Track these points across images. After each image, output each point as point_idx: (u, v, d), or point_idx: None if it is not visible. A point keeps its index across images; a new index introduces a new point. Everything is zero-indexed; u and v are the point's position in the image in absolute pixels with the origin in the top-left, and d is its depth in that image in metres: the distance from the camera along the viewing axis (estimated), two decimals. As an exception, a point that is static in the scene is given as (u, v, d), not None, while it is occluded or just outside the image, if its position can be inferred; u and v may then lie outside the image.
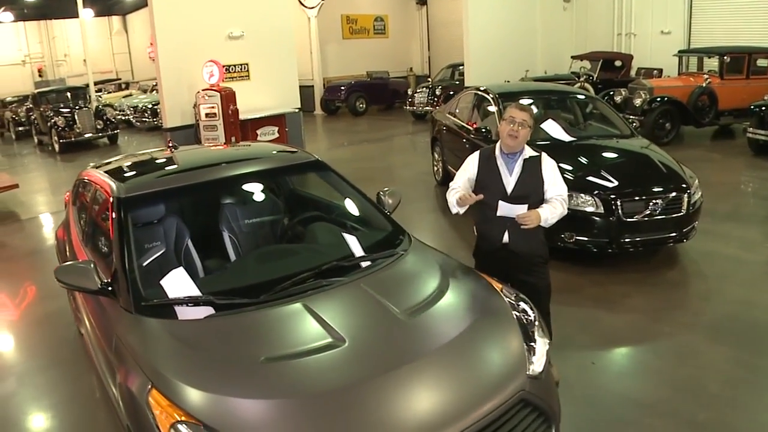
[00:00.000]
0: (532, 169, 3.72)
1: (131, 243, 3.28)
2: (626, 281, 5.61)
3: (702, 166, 10.14)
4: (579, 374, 4.14)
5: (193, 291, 3.02)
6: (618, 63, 14.52)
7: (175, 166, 4.07)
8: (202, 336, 2.75)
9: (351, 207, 3.96)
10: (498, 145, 3.78)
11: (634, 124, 7.40)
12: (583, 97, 7.74)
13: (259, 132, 11.10)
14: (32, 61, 26.69)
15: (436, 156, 9.26)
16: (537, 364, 2.69)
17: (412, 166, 11.18)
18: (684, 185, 5.76)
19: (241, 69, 11.33)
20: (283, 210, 4.11)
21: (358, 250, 3.35)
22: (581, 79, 14.03)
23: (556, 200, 3.74)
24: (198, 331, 2.79)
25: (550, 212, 3.68)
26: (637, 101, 11.81)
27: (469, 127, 7.64)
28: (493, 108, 7.19)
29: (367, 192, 4.07)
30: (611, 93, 12.54)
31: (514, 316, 2.88)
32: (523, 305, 3.01)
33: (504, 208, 3.66)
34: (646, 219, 5.59)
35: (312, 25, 19.51)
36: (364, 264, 3.21)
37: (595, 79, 14.16)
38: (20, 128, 18.81)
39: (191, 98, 10.61)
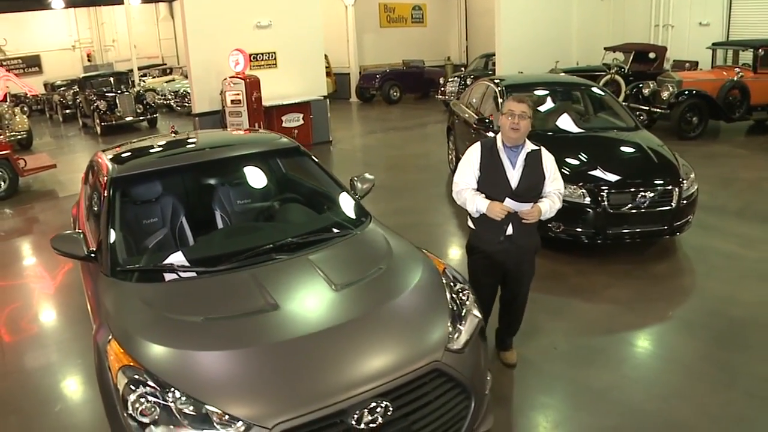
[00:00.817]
0: (535, 163, 3.77)
1: (116, 216, 3.68)
2: (611, 272, 5.74)
3: (725, 162, 10.10)
4: (539, 358, 4.33)
5: (165, 260, 3.39)
6: (652, 55, 14.31)
7: (168, 151, 4.46)
8: (160, 297, 3.14)
9: (322, 190, 4.28)
10: (499, 138, 3.81)
11: (641, 117, 7.39)
12: (590, 89, 7.79)
13: (284, 119, 11.52)
14: (82, 46, 27.80)
15: (451, 145, 9.46)
16: (459, 341, 2.93)
17: (432, 154, 11.37)
18: (675, 179, 5.82)
19: (268, 57, 11.75)
20: (260, 191, 4.44)
21: (317, 228, 3.66)
22: (612, 70, 13.92)
23: (554, 194, 3.85)
24: (158, 294, 3.18)
25: (550, 206, 3.79)
26: (665, 94, 11.71)
27: (476, 116, 7.82)
28: (498, 99, 7.34)
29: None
30: (640, 85, 12.44)
31: (447, 296, 3.13)
32: (459, 286, 3.26)
33: (509, 204, 3.68)
34: (633, 211, 5.70)
35: (349, 14, 19.79)
36: (318, 240, 3.51)
37: (626, 70, 14.03)
38: (67, 111, 19.73)
39: (219, 85, 11.08)
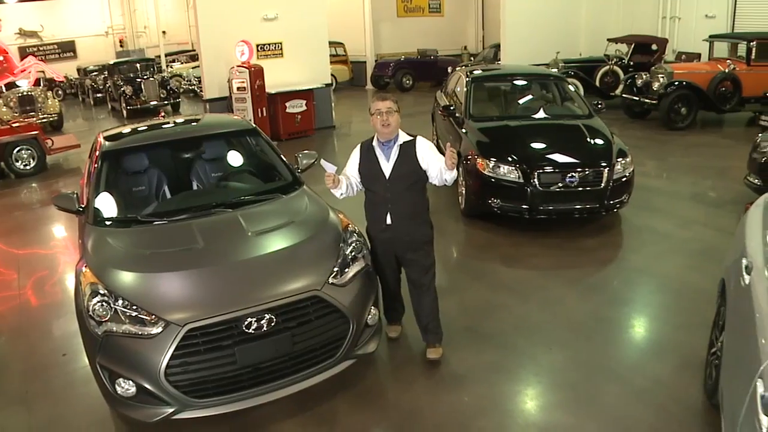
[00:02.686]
0: (408, 152, 4.22)
1: (101, 181, 4.80)
2: (543, 244, 6.59)
3: (704, 151, 10.74)
4: (447, 308, 5.09)
5: (132, 213, 4.55)
6: (654, 47, 14.91)
7: (150, 132, 5.59)
8: (124, 238, 4.26)
9: (269, 164, 5.34)
10: (375, 136, 4.32)
11: (599, 105, 8.14)
12: (555, 81, 8.60)
13: (287, 105, 12.59)
14: (114, 32, 29.52)
15: (433, 131, 10.39)
16: (343, 278, 3.92)
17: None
18: (606, 161, 6.64)
19: (275, 48, 12.83)
20: (221, 162, 5.50)
21: (253, 192, 4.76)
22: (611, 61, 14.59)
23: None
24: (123, 236, 4.30)
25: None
26: (655, 85, 12.38)
27: (447, 103, 8.75)
28: (464, 89, 8.24)
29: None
30: (634, 76, 13.10)
31: (340, 245, 4.12)
32: (354, 238, 4.24)
33: (324, 165, 4.10)
34: (564, 189, 6.54)
35: (366, 3, 20.74)
36: (250, 201, 4.61)
37: (626, 62, 14.68)
38: (98, 95, 21.28)
39: (227, 73, 12.21)
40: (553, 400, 4.06)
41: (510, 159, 6.68)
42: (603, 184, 6.60)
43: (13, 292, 6.32)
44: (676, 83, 12.17)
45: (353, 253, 4.13)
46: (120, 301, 3.59)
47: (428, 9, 23.15)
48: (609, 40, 15.36)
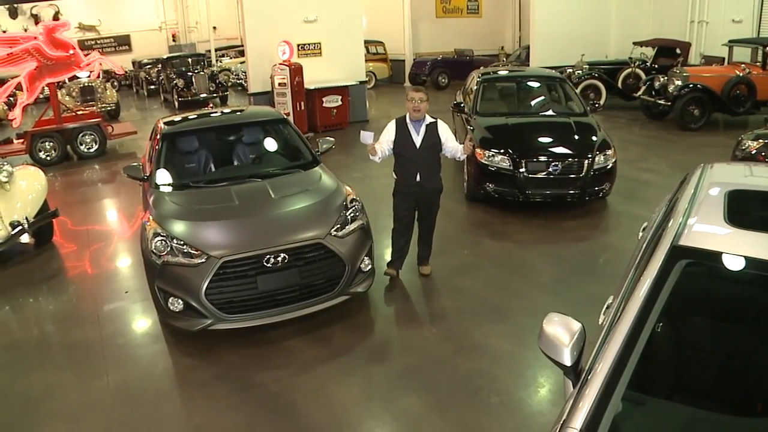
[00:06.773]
0: (432, 130, 5.83)
1: (161, 157, 6.25)
2: (529, 224, 7.78)
3: (707, 151, 11.66)
4: (436, 268, 6.48)
5: (185, 181, 6.00)
6: (678, 50, 15.79)
7: (200, 119, 7.03)
8: (179, 197, 5.70)
9: (294, 146, 6.74)
10: (408, 115, 5.89)
11: (595, 106, 9.28)
12: (558, 82, 9.76)
13: (324, 99, 14.03)
14: (167, 27, 31.74)
15: (453, 125, 11.64)
16: (343, 232, 5.26)
17: (451, 135, 13.59)
18: (585, 153, 7.79)
19: (314, 47, 14.29)
20: (256, 145, 6.90)
21: (278, 167, 6.17)
22: (634, 64, 15.54)
23: (457, 147, 5.90)
24: (177, 196, 5.75)
25: (461, 150, 5.86)
26: (671, 87, 13.33)
27: (460, 101, 10.01)
28: (474, 87, 9.49)
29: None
30: (653, 79, 14.05)
31: (342, 208, 5.45)
32: (354, 203, 5.58)
33: (364, 136, 5.69)
34: (548, 176, 7.73)
35: (405, 4, 22.08)
36: (276, 174, 6.03)
37: (650, 65, 15.61)
38: (151, 87, 23.21)
39: (270, 70, 13.71)
40: (499, 331, 5.28)
41: (504, 150, 7.90)
42: (584, 173, 7.75)
43: (77, 263, 7.64)
44: (690, 86, 13.09)
45: (352, 215, 5.48)
46: (175, 241, 5.01)
47: (466, 10, 24.37)
48: (634, 43, 16.31)
